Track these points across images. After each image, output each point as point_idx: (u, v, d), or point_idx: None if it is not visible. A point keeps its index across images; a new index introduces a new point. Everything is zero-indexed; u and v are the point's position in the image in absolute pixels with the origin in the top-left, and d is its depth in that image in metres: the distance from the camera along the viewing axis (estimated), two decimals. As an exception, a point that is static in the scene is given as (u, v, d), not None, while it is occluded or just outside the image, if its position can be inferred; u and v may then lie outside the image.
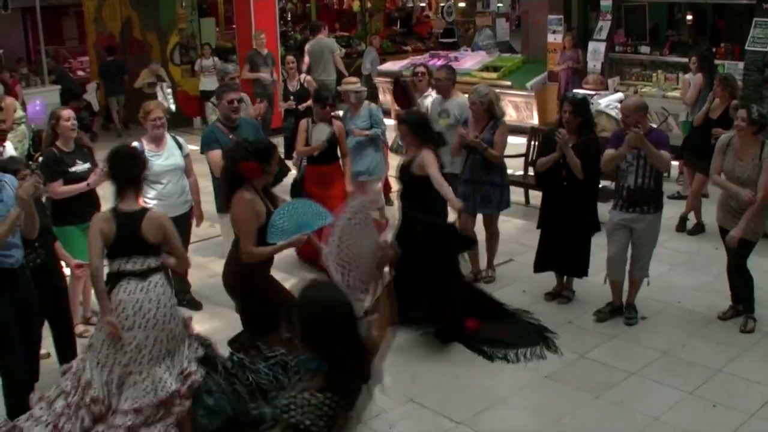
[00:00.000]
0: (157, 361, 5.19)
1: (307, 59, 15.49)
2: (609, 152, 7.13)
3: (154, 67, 16.74)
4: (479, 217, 8.35)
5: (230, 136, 7.68)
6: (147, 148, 7.39)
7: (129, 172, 5.34)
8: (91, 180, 7.01)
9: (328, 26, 21.15)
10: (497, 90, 15.45)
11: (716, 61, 12.77)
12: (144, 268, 5.26)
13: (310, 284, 3.55)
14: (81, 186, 6.96)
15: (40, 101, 15.44)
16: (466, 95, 9.14)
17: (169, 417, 5.20)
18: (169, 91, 16.03)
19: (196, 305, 7.92)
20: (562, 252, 7.69)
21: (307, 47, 15.95)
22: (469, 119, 8.18)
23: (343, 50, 19.88)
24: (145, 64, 17.05)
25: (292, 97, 11.55)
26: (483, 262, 8.50)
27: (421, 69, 9.81)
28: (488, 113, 8.01)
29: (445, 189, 7.11)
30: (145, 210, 5.39)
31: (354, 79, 10.34)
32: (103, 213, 5.49)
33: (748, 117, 6.91)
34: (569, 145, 7.21)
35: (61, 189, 6.92)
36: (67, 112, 7.08)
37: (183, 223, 7.71)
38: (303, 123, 8.81)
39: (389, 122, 10.49)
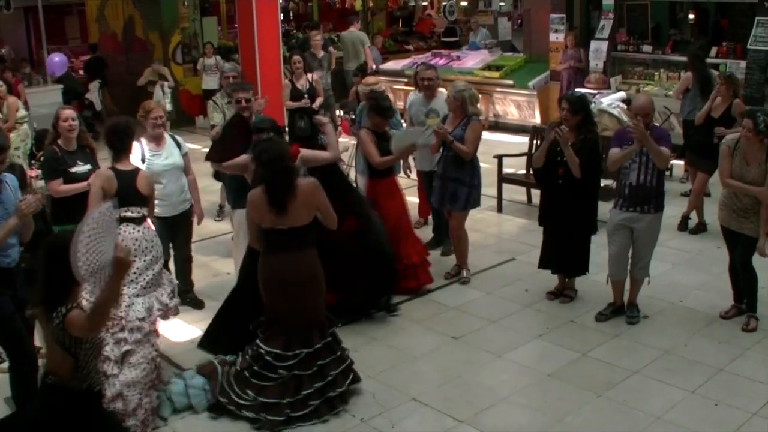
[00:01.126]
0: (149, 290, 6.16)
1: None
2: (615, 151, 7.11)
3: (156, 67, 16.74)
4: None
5: None
6: (147, 147, 7.43)
7: (123, 142, 6.37)
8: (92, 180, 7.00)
9: (329, 25, 21.25)
10: (499, 89, 15.74)
11: (719, 61, 12.79)
12: (140, 215, 6.26)
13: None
14: (81, 186, 6.87)
15: (59, 57, 15.56)
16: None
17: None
18: (168, 90, 16.01)
19: (198, 304, 7.94)
20: (561, 252, 7.71)
21: (341, 37, 17.44)
22: (448, 115, 8.24)
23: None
24: (147, 64, 17.07)
25: (306, 96, 11.59)
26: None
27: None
28: (462, 110, 8.07)
29: (329, 150, 7.22)
30: (138, 169, 6.48)
31: (374, 79, 10.37)
32: (106, 171, 6.37)
33: (754, 128, 6.79)
34: (568, 144, 7.21)
35: (61, 188, 6.89)
36: (67, 113, 7.04)
37: (184, 221, 7.76)
38: (366, 135, 8.12)
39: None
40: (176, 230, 7.70)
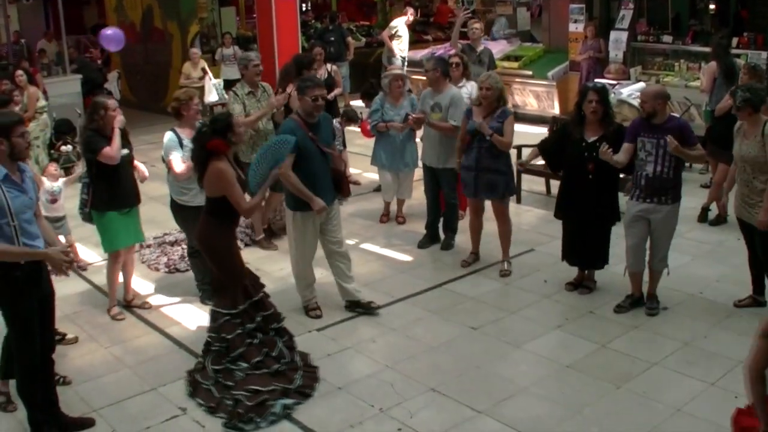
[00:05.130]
0: None
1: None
2: (626, 146, 7.16)
3: (194, 53, 15.91)
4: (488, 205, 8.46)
5: (309, 133, 7.10)
6: (184, 137, 7.39)
7: None
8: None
9: (347, 15, 21.21)
10: (518, 80, 15.70)
11: (739, 51, 12.68)
12: None
13: None
14: (117, 135, 7.11)
15: (111, 30, 15.10)
16: (471, 84, 9.23)
17: None
18: (217, 81, 15.58)
19: None
20: (582, 245, 7.70)
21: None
22: (472, 110, 8.17)
23: (364, 39, 19.88)
24: (164, 53, 17.01)
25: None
26: (497, 254, 8.50)
27: (456, 59, 9.61)
28: (497, 101, 8.05)
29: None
30: None
31: (396, 66, 10.27)
32: None
33: (734, 104, 7.11)
34: (612, 156, 7.17)
35: (111, 150, 7.03)
36: (114, 102, 7.25)
37: None
38: None
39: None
40: None
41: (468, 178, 8.24)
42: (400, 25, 17.21)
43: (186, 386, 6.30)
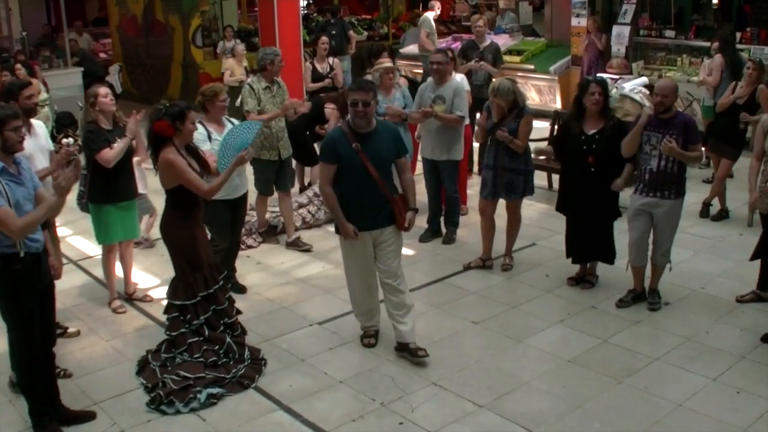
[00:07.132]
0: None
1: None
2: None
3: (239, 50, 15.28)
4: (500, 202, 8.33)
5: (353, 144, 6.27)
6: (212, 130, 7.35)
7: None
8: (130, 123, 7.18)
9: (349, 9, 21.13)
10: (520, 74, 15.65)
11: (743, 46, 12.67)
12: None
13: None
14: (125, 142, 7.08)
15: None
16: (460, 76, 9.16)
17: None
18: None
19: (240, 289, 7.89)
20: (586, 239, 7.67)
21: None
22: (491, 108, 8.08)
23: (366, 33, 19.82)
24: (166, 46, 16.94)
25: (329, 79, 11.57)
26: (500, 248, 8.47)
27: (449, 54, 9.58)
28: (513, 104, 7.92)
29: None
30: None
31: (386, 59, 10.22)
32: None
33: None
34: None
35: (112, 153, 7.01)
36: (104, 89, 7.20)
37: (242, 204, 7.75)
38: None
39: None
40: (234, 213, 7.66)
41: (488, 176, 8.14)
42: (427, 21, 16.78)
43: (136, 365, 6.48)
